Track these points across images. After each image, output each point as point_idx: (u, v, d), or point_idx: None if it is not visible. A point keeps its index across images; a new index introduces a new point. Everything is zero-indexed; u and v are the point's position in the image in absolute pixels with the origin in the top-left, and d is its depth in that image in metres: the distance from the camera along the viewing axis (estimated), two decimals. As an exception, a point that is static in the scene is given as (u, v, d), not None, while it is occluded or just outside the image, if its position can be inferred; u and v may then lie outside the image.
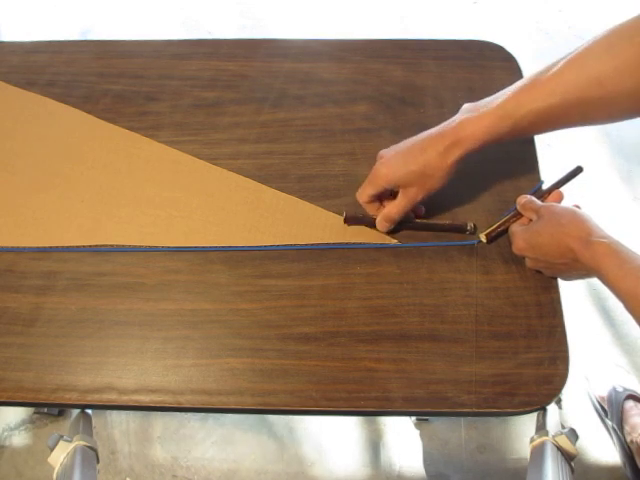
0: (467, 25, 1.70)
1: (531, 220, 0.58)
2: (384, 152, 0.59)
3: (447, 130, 0.55)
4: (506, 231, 0.61)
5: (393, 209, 0.59)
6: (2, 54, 0.78)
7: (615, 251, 0.49)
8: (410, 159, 0.56)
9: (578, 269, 0.53)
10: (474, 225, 0.62)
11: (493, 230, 0.61)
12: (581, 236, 0.51)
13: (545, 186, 0.63)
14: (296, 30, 1.70)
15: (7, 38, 0.80)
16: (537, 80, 0.53)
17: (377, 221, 0.61)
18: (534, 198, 0.59)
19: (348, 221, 0.62)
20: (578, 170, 0.62)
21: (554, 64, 0.53)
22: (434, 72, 0.74)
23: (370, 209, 0.61)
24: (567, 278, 0.58)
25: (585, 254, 0.50)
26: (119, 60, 0.76)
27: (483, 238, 0.61)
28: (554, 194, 0.61)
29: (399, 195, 0.58)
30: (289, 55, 0.76)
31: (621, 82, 0.49)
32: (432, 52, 0.76)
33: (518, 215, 0.60)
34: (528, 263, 0.59)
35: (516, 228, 0.59)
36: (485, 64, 0.75)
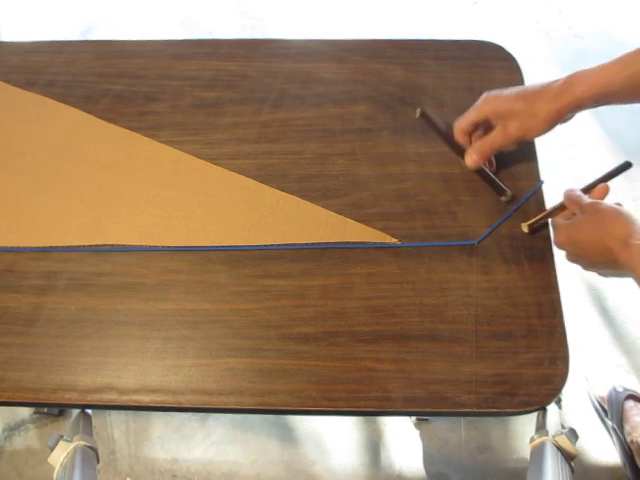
0: (467, 25, 1.70)
1: (574, 214, 0.57)
2: (490, 92, 0.61)
3: (560, 79, 0.57)
4: (547, 223, 0.61)
5: (487, 142, 0.60)
6: (2, 54, 0.78)
7: None
8: (521, 94, 0.58)
9: (615, 269, 0.53)
10: (510, 195, 0.63)
11: (536, 221, 0.61)
12: (621, 237, 0.51)
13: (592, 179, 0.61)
14: (296, 30, 1.70)
15: (7, 38, 0.80)
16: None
17: (468, 154, 0.62)
18: (580, 192, 0.58)
19: (423, 116, 0.63)
20: (627, 165, 0.60)
21: None
22: (434, 72, 0.74)
23: (461, 138, 0.63)
24: (604, 275, 0.58)
25: (623, 255, 0.50)
26: (119, 60, 0.76)
27: (525, 228, 0.61)
28: (599, 188, 0.59)
29: (497, 129, 0.60)
30: (289, 55, 0.76)
31: None
32: (432, 52, 0.76)
33: (562, 208, 0.59)
34: (567, 257, 0.58)
35: (559, 221, 0.58)
36: (485, 64, 0.75)
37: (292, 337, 0.57)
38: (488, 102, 0.60)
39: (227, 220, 0.63)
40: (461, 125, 0.62)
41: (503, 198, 0.63)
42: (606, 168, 0.59)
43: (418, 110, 0.62)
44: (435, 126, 0.64)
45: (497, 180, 0.64)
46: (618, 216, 0.53)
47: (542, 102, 0.57)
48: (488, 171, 0.64)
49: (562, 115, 0.58)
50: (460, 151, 0.64)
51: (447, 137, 0.64)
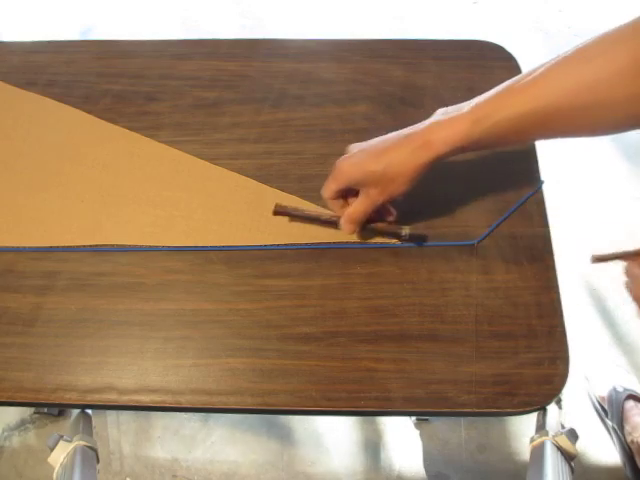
0: (467, 25, 1.70)
1: None
2: (353, 146, 0.57)
3: (416, 132, 0.52)
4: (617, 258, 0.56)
5: (356, 210, 0.56)
6: (2, 54, 0.78)
7: None
8: (373, 159, 0.53)
9: None
10: (408, 232, 0.59)
11: (606, 257, 0.55)
12: None
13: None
14: (296, 30, 1.70)
15: (7, 38, 0.80)
16: (514, 86, 0.49)
17: (341, 224, 0.58)
18: None
19: (277, 213, 0.61)
20: None
21: (532, 71, 0.49)
22: (434, 72, 0.74)
23: (334, 206, 0.59)
24: None
25: None
26: (119, 60, 0.76)
27: (593, 260, 0.55)
28: None
29: (360, 195, 0.56)
30: (289, 55, 0.76)
31: (615, 89, 0.45)
32: (432, 52, 0.76)
33: (637, 255, 0.54)
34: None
35: (637, 276, 0.52)
36: (485, 64, 0.75)
37: (292, 337, 0.57)
38: (343, 170, 0.55)
39: (227, 220, 0.63)
40: (327, 195, 0.57)
41: (402, 236, 0.59)
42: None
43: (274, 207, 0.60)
44: (296, 215, 0.61)
45: (389, 229, 0.60)
46: None
47: (395, 164, 0.52)
48: (373, 226, 0.60)
49: (422, 171, 0.52)
50: (333, 222, 0.60)
51: (311, 218, 0.61)
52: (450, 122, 0.50)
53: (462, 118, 0.50)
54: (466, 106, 0.51)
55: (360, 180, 0.54)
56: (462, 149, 0.51)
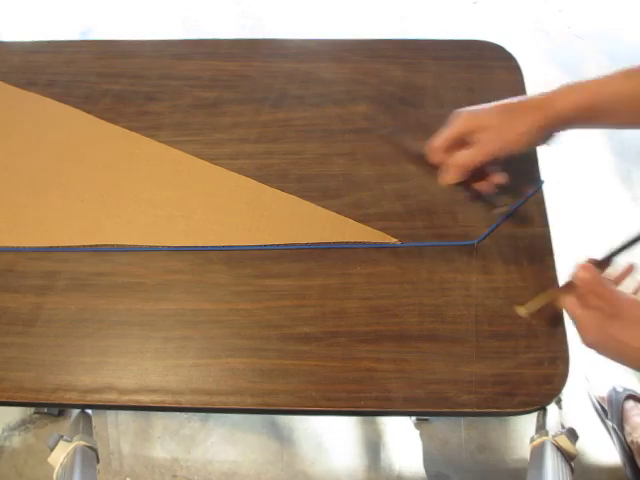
0: (467, 25, 1.70)
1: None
2: (461, 110, 0.58)
3: (543, 94, 0.55)
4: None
5: (462, 157, 0.57)
6: (2, 54, 0.78)
7: None
8: (493, 111, 0.56)
9: None
10: (510, 203, 0.61)
11: (537, 304, 0.55)
12: None
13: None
14: (296, 30, 1.69)
15: (7, 38, 0.80)
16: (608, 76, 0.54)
17: (442, 170, 0.59)
18: (599, 275, 0.49)
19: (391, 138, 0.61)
20: None
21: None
22: (434, 72, 0.74)
23: (435, 157, 0.60)
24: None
25: None
26: (119, 60, 0.76)
27: (522, 312, 0.55)
28: (625, 270, 0.53)
29: (474, 145, 0.57)
30: (289, 55, 0.76)
31: None
32: (432, 52, 0.76)
33: (571, 286, 0.52)
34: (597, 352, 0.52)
35: (588, 317, 0.50)
36: (485, 64, 0.75)
37: (292, 337, 0.57)
38: (462, 118, 0.57)
39: (227, 220, 0.63)
40: (435, 143, 0.59)
41: (500, 206, 0.61)
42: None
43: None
44: (407, 148, 0.61)
45: (489, 193, 0.61)
46: None
47: (522, 115, 0.55)
48: (475, 186, 0.60)
49: (543, 130, 0.55)
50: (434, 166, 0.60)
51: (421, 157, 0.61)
52: (583, 83, 0.54)
53: (596, 82, 0.54)
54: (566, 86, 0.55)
55: (480, 126, 0.56)
56: (591, 114, 0.54)
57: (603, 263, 0.52)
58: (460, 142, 0.58)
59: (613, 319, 0.49)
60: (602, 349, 0.51)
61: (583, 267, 0.50)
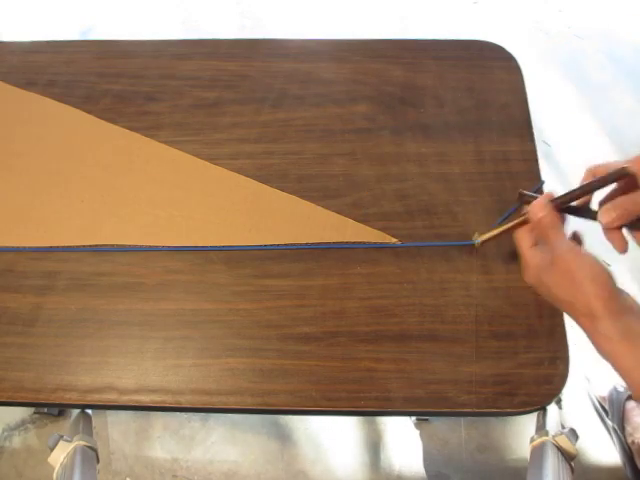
0: (467, 25, 1.70)
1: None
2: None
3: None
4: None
5: (631, 202, 0.48)
6: (2, 54, 0.78)
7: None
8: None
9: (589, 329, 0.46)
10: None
11: (493, 237, 0.56)
12: (593, 309, 0.44)
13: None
14: (296, 30, 1.70)
15: (7, 38, 0.80)
16: None
17: (605, 209, 0.49)
18: (554, 216, 0.48)
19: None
20: (622, 172, 0.48)
21: None
22: (434, 72, 0.74)
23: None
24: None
25: (591, 332, 0.45)
26: (119, 60, 0.76)
27: (477, 238, 0.57)
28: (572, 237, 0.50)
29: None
30: (289, 55, 0.76)
31: None
32: (432, 52, 0.76)
33: (525, 222, 0.52)
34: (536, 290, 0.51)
35: (531, 257, 0.49)
36: (485, 64, 0.75)
37: (292, 337, 0.57)
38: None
39: (227, 220, 0.63)
40: (597, 170, 0.50)
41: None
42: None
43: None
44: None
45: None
46: (595, 272, 0.44)
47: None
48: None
49: None
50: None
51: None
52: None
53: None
54: None
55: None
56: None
57: (561, 202, 0.50)
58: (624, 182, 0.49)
59: (550, 267, 0.47)
60: (539, 292, 0.50)
61: (539, 204, 0.48)
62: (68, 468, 0.53)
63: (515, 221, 0.53)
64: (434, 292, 0.59)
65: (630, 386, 0.44)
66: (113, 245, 0.62)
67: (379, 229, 0.62)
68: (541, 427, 0.57)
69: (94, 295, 0.59)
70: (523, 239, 0.51)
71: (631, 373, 0.43)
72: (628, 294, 0.46)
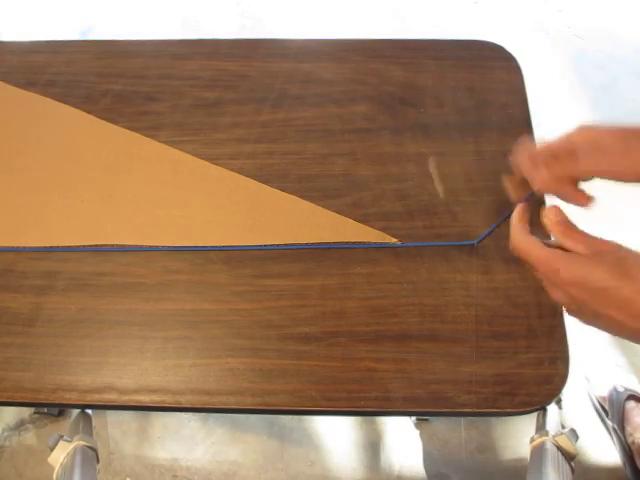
0: (467, 25, 1.70)
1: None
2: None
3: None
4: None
5: (562, 165, 0.49)
6: (2, 54, 0.78)
7: None
8: (621, 131, 0.50)
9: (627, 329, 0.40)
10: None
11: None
12: None
13: None
14: (296, 30, 1.70)
15: (7, 38, 0.80)
16: None
17: (537, 170, 0.50)
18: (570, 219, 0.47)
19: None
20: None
21: None
22: (434, 72, 0.74)
23: (527, 165, 0.52)
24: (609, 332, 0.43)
25: None
26: (119, 60, 0.76)
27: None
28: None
29: (580, 160, 0.50)
30: (289, 55, 0.76)
31: None
32: (432, 52, 0.76)
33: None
34: (558, 296, 0.43)
35: (553, 253, 0.44)
36: (485, 64, 0.75)
37: (292, 337, 0.57)
38: (580, 130, 0.50)
39: (227, 220, 0.63)
40: (537, 150, 0.50)
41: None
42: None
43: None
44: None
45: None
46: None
47: None
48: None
49: None
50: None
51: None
52: None
53: None
54: None
55: (595, 143, 0.50)
56: None
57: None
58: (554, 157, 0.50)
59: (591, 261, 0.42)
60: (574, 288, 0.42)
61: (550, 209, 0.47)
62: (68, 468, 0.53)
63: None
64: (434, 292, 0.59)
65: None
66: (113, 245, 0.62)
67: (379, 229, 0.62)
68: (541, 427, 0.57)
69: (94, 295, 0.59)
70: (529, 242, 0.46)
71: None
72: None
